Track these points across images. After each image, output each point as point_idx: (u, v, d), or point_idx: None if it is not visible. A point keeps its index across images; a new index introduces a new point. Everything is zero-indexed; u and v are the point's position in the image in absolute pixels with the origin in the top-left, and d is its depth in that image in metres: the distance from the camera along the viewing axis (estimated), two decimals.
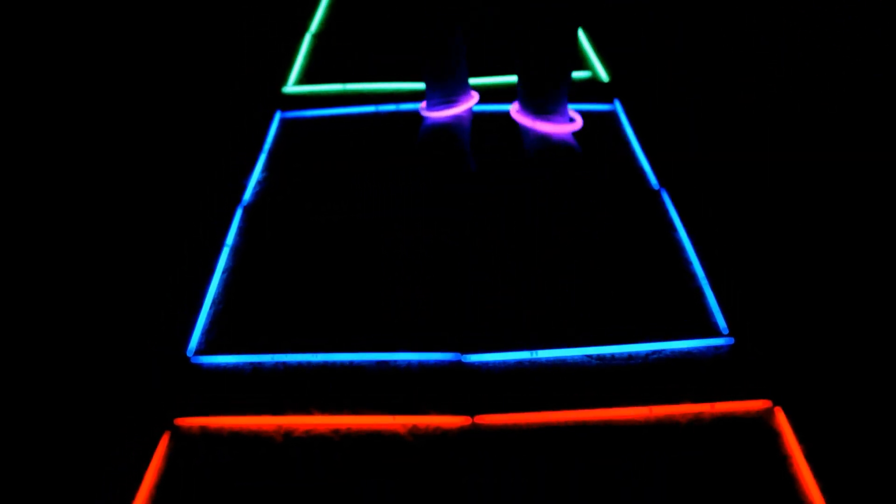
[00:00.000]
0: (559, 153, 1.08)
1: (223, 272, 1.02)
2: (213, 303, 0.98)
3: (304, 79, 1.42)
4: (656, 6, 1.61)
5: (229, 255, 1.05)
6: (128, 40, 1.54)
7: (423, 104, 1.21)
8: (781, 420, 0.82)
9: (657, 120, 1.28)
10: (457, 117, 1.18)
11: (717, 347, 0.91)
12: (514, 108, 1.13)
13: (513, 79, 1.38)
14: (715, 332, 0.93)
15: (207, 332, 0.94)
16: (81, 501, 0.77)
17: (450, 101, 1.17)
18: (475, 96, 1.21)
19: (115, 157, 1.24)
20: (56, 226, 1.11)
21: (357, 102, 1.34)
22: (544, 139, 1.09)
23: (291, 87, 1.39)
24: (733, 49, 1.49)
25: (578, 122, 1.12)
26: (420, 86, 1.36)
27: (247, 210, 1.12)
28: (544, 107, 1.08)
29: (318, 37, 1.55)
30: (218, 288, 1.00)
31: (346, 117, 1.31)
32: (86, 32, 1.56)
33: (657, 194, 1.13)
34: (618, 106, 1.30)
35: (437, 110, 1.18)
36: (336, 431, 0.83)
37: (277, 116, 1.30)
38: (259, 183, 1.17)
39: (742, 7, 1.61)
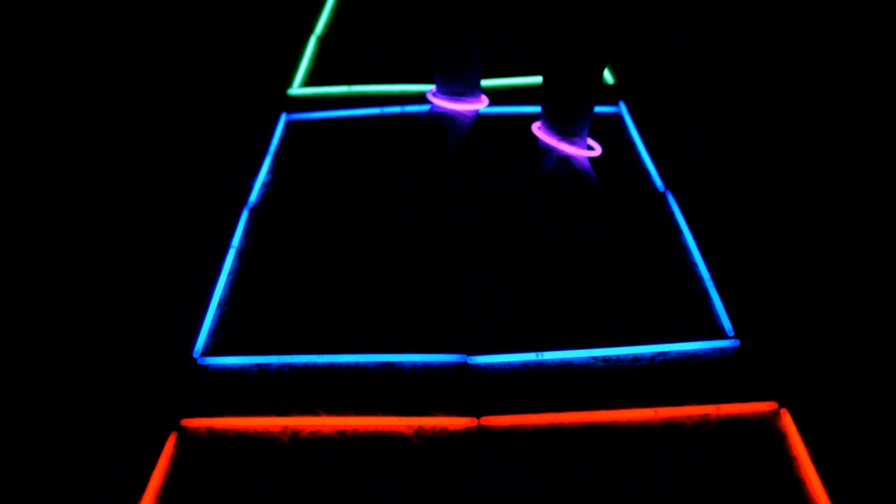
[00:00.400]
0: (577, 182, 1.06)
1: (229, 273, 1.03)
2: (220, 304, 0.98)
3: (310, 81, 1.43)
4: (656, 6, 1.61)
5: (235, 256, 1.05)
6: (133, 43, 1.55)
7: (433, 89, 1.22)
8: (787, 422, 0.82)
9: (662, 121, 1.28)
10: (457, 114, 1.18)
11: (722, 349, 0.91)
12: (536, 125, 1.12)
13: (514, 81, 1.39)
14: (720, 334, 0.93)
15: (214, 333, 0.95)
16: (88, 501, 0.78)
17: (456, 98, 1.18)
18: (483, 101, 1.19)
19: (121, 159, 1.24)
20: (62, 228, 1.11)
21: (362, 104, 1.34)
22: (565, 161, 1.08)
23: (297, 89, 1.39)
24: (733, 49, 1.49)
25: (598, 150, 1.11)
26: (425, 87, 1.36)
27: (253, 212, 1.12)
28: (568, 129, 1.07)
29: (323, 39, 1.55)
30: (224, 289, 1.00)
31: (352, 119, 1.31)
32: (99, 34, 1.57)
33: (662, 196, 1.13)
34: (623, 108, 1.30)
35: (441, 99, 1.18)
36: (342, 433, 0.84)
37: (283, 118, 1.30)
38: (265, 185, 1.18)
39: (742, 7, 1.61)
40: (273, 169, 1.21)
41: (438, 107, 1.20)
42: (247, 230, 1.09)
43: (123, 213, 1.13)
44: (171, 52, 1.51)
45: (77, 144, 1.27)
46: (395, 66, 1.43)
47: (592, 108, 1.07)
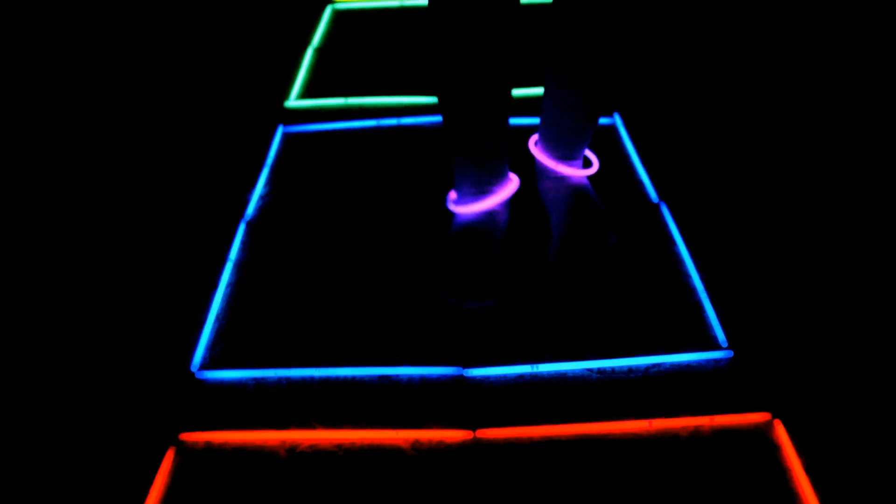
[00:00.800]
0: (577, 200, 1.03)
1: (226, 287, 1.03)
2: (217, 317, 0.99)
3: (307, 93, 1.44)
4: (655, 5, 1.62)
5: (232, 269, 1.06)
6: (129, 55, 1.56)
7: (452, 194, 1.03)
8: (781, 433, 0.83)
9: (657, 132, 1.29)
10: (490, 214, 1.01)
11: (716, 360, 0.92)
12: (532, 142, 1.07)
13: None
14: (714, 346, 0.93)
15: (211, 347, 0.95)
16: None
17: (483, 190, 0.99)
18: (515, 182, 1.02)
19: (117, 171, 1.25)
20: (59, 242, 1.12)
21: (359, 117, 1.35)
22: (562, 180, 1.05)
23: (294, 101, 1.40)
24: (731, 51, 1.50)
25: (595, 166, 1.08)
26: (420, 100, 1.37)
27: (250, 225, 1.13)
28: (567, 152, 1.04)
29: (319, 50, 1.56)
30: (221, 303, 1.01)
31: (348, 132, 1.32)
32: (95, 46, 1.58)
33: (657, 208, 1.14)
34: (617, 120, 1.31)
35: (468, 204, 1.00)
36: (339, 446, 0.84)
37: (280, 131, 1.31)
38: (262, 197, 1.18)
39: (741, 6, 1.63)
40: (270, 182, 1.22)
41: (464, 215, 1.01)
42: (244, 243, 1.10)
43: (120, 225, 1.14)
44: (166, 64, 1.52)
45: (73, 157, 1.28)
46: (390, 78, 1.44)
47: (592, 129, 1.03)
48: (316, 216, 1.14)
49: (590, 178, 1.12)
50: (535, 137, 1.10)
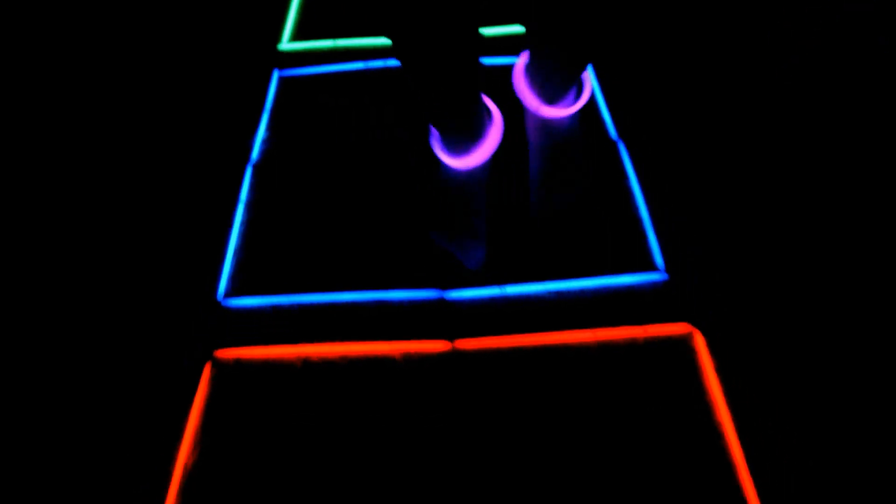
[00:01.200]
0: (566, 147, 1.04)
1: (240, 225, 1.19)
2: (235, 253, 1.16)
3: (298, 35, 1.53)
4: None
5: (244, 209, 1.22)
6: (118, 8, 1.63)
7: (437, 142, 0.96)
8: (699, 342, 1.02)
9: (622, 66, 1.40)
10: (476, 170, 0.97)
11: (654, 282, 1.10)
12: (520, 71, 0.94)
13: (495, 31, 1.49)
14: (654, 269, 1.11)
15: (232, 278, 1.13)
16: (144, 418, 0.99)
17: (469, 141, 0.92)
18: (498, 125, 0.93)
19: (120, 123, 1.37)
20: (80, 205, 1.26)
21: (349, 58, 1.45)
22: (553, 129, 1.02)
23: (287, 44, 1.50)
24: (719, 31, 1.57)
25: (586, 95, 0.96)
26: None
27: (256, 168, 1.27)
28: (558, 95, 0.94)
29: None
30: (237, 240, 1.17)
31: (341, 74, 1.43)
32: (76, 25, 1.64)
33: (614, 145, 1.28)
34: None
35: (454, 157, 0.95)
36: (344, 357, 1.04)
37: (276, 75, 1.42)
38: (264, 141, 1.32)
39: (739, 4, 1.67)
40: (270, 126, 1.35)
41: (454, 168, 0.97)
42: (252, 185, 1.25)
43: (132, 173, 1.28)
44: (155, 15, 1.60)
45: (77, 115, 1.39)
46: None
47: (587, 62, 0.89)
48: (315, 158, 1.28)
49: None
50: (521, 64, 0.94)
